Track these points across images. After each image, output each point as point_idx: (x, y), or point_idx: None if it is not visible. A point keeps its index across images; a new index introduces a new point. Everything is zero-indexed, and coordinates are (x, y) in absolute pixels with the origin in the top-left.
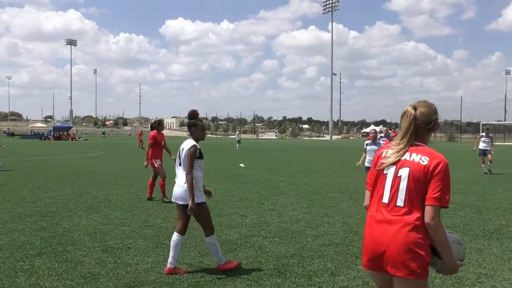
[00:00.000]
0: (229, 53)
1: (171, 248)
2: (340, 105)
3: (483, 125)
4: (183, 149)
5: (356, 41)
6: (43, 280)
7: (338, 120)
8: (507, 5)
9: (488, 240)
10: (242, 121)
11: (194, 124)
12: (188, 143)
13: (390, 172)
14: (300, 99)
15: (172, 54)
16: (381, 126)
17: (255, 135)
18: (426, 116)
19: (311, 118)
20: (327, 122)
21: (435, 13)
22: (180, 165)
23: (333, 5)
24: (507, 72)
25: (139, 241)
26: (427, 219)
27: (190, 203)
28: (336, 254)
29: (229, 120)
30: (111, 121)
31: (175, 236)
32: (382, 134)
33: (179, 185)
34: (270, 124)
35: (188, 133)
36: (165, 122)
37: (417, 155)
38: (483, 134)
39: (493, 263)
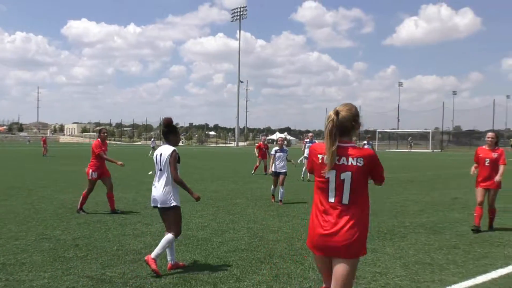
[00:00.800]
0: (136, 57)
1: (166, 248)
2: (246, 112)
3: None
4: (161, 154)
5: (263, 50)
6: None
7: (244, 127)
8: (400, 23)
9: (382, 241)
10: (148, 127)
11: (174, 131)
12: (168, 149)
13: (332, 176)
14: (207, 105)
15: (74, 57)
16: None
17: (161, 142)
18: (347, 119)
19: (217, 125)
20: (234, 129)
21: (337, 26)
22: (160, 170)
23: (241, 13)
24: (400, 84)
25: (34, 255)
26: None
27: (194, 196)
28: (242, 260)
29: (134, 126)
30: (4, 127)
31: (168, 235)
32: (308, 140)
33: (156, 189)
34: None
35: (164, 139)
36: (65, 128)
37: (353, 159)
38: (365, 142)
39: (387, 262)
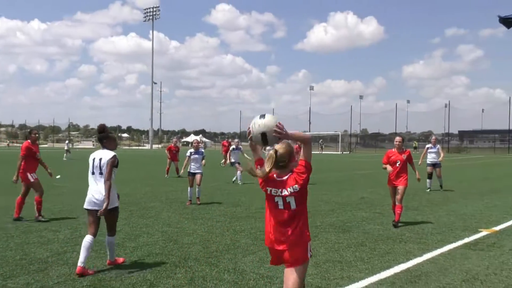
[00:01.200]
0: (41, 55)
1: (83, 248)
2: (160, 114)
3: None
4: (100, 158)
5: (177, 51)
6: None
7: (158, 129)
8: (311, 28)
9: None
10: (55, 129)
11: (107, 137)
12: (106, 153)
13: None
14: (120, 107)
15: None
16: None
17: (71, 144)
18: (284, 156)
19: (131, 126)
20: (147, 131)
21: (251, 30)
22: (93, 173)
23: (154, 13)
24: (311, 88)
25: None
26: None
27: (104, 205)
28: (156, 265)
29: (40, 127)
30: None
31: (88, 238)
32: (234, 146)
33: (98, 192)
34: (87, 132)
35: (100, 145)
36: None
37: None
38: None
39: None
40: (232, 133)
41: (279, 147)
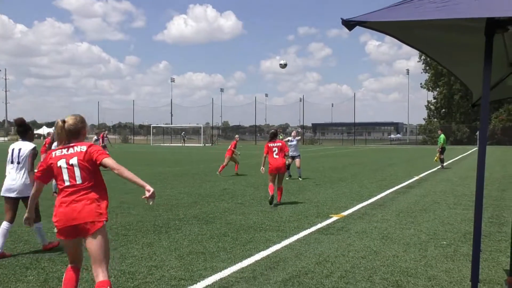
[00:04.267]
0: None
1: (0, 235)
2: (6, 104)
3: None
4: (20, 149)
5: (24, 36)
6: None
7: (4, 121)
8: (170, 19)
9: (158, 234)
10: None
11: (29, 129)
12: (26, 145)
13: (63, 164)
14: None
15: None
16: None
17: None
18: (74, 126)
19: None
20: None
21: (108, 18)
22: (12, 162)
23: None
24: (172, 80)
25: None
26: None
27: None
28: (3, 268)
29: None
30: None
31: (5, 224)
32: (96, 137)
33: (14, 180)
34: None
35: (20, 137)
36: None
37: (78, 147)
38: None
39: (162, 255)
40: (90, 125)
41: (68, 118)
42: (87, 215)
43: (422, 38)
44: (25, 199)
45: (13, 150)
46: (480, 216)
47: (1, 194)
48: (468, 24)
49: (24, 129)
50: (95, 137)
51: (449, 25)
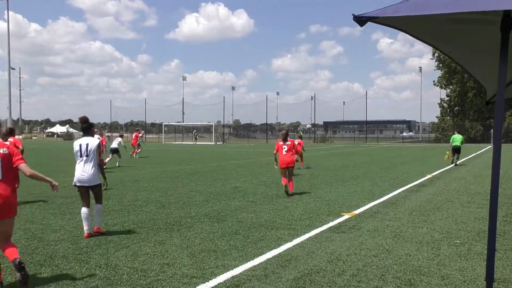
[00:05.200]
0: None
1: (83, 220)
2: (20, 102)
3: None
4: (87, 144)
5: (38, 35)
6: None
7: (18, 119)
8: (182, 18)
9: (170, 232)
10: None
11: (92, 125)
12: (93, 140)
13: None
14: None
15: None
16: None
17: None
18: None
19: None
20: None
21: (120, 17)
22: (81, 156)
23: None
24: (184, 78)
25: None
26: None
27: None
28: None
29: None
30: None
31: (84, 210)
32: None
33: (87, 173)
34: None
35: (84, 133)
36: None
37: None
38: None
39: (174, 253)
40: (103, 123)
41: None
42: None
43: (435, 34)
44: (93, 187)
45: (80, 145)
46: (495, 215)
47: (74, 184)
48: (483, 17)
49: (88, 126)
50: (97, 137)
51: (464, 20)
